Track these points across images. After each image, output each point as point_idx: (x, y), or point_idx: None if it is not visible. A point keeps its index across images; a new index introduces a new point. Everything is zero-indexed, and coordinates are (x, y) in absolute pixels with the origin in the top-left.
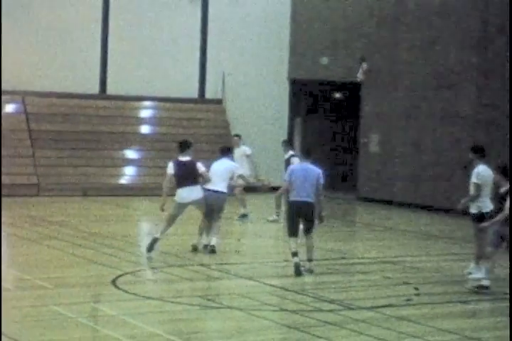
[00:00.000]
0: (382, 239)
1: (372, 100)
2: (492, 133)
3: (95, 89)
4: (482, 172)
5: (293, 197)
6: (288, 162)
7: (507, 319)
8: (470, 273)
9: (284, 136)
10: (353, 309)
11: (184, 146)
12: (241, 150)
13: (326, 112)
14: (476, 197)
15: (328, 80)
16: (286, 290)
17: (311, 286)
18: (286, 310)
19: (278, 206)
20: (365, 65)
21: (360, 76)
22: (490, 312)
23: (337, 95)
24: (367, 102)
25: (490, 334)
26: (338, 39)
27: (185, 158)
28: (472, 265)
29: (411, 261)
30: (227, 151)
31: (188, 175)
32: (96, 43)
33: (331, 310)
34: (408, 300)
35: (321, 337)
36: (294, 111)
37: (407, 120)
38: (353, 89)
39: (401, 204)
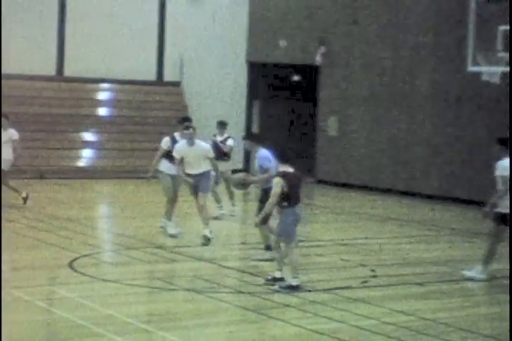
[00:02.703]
0: (339, 222)
1: (330, 83)
2: (462, 110)
3: (52, 70)
4: (507, 164)
5: None
6: (223, 144)
7: (462, 300)
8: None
9: (242, 119)
10: (309, 291)
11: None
12: (8, 134)
13: (284, 95)
14: (505, 192)
15: (286, 63)
16: (243, 272)
17: (268, 269)
18: (244, 292)
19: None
20: (323, 48)
21: (318, 59)
22: (445, 294)
23: (295, 78)
24: (325, 85)
25: (446, 314)
26: (296, 22)
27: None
28: (480, 267)
29: (368, 243)
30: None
31: None
32: (53, 24)
33: (287, 292)
34: (364, 282)
35: (278, 319)
36: (252, 94)
37: (365, 103)
38: (311, 72)
39: (359, 187)
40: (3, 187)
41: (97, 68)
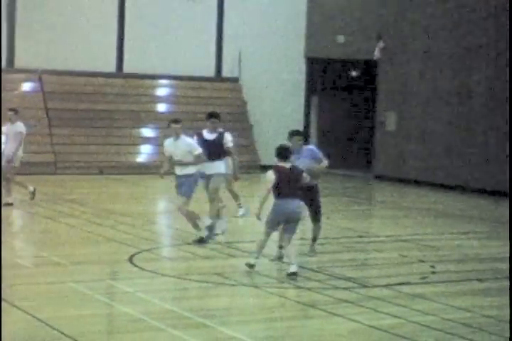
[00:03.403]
0: (398, 218)
1: (388, 78)
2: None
3: (112, 67)
4: None
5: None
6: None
7: None
8: None
9: (301, 114)
10: (368, 287)
11: None
12: (16, 128)
13: (342, 90)
14: None
15: (344, 58)
16: (302, 267)
17: (326, 264)
18: (302, 287)
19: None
20: (381, 43)
21: (376, 54)
22: (506, 291)
23: (354, 73)
24: (383, 80)
25: (505, 312)
26: (354, 17)
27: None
28: None
29: (427, 239)
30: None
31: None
32: (113, 21)
33: (346, 288)
34: (424, 277)
35: (336, 315)
36: (310, 89)
37: (424, 98)
38: (369, 68)
39: (417, 183)
40: (13, 183)
41: (155, 64)
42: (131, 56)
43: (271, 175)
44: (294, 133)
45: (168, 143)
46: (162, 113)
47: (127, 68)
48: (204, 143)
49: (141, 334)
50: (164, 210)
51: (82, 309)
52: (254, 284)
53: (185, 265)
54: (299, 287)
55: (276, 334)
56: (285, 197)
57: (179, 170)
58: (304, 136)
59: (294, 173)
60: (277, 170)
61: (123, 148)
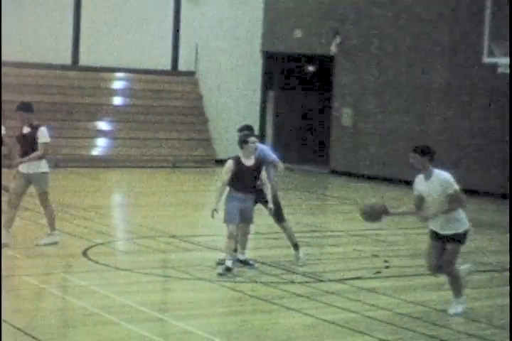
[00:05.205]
0: (352, 213)
1: (344, 73)
2: (466, 108)
3: (68, 59)
4: None
5: None
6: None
7: (476, 291)
8: None
9: (257, 109)
10: (323, 281)
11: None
12: None
13: (299, 85)
14: None
15: (301, 53)
16: (257, 262)
17: (282, 259)
18: (258, 281)
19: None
20: (338, 38)
21: (333, 49)
22: None
23: (310, 68)
24: (340, 76)
25: None
26: (311, 12)
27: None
28: None
29: (381, 234)
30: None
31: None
32: (68, 13)
33: (301, 282)
34: (378, 272)
35: (291, 309)
36: (267, 83)
37: (379, 93)
38: (326, 62)
39: (372, 178)
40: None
41: (112, 57)
42: (87, 48)
43: (230, 166)
44: (244, 130)
45: None
46: (117, 106)
47: (83, 60)
48: None
49: (95, 328)
50: (119, 204)
51: (36, 302)
52: (209, 278)
53: (140, 259)
54: (254, 281)
55: (231, 328)
56: (241, 191)
57: None
58: (259, 133)
59: (255, 170)
60: (239, 164)
61: (79, 141)
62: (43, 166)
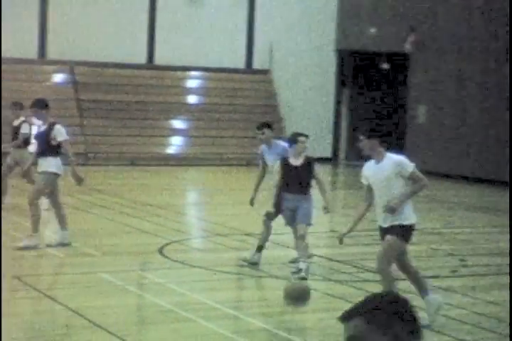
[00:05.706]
0: (428, 211)
1: (420, 71)
2: None
3: (143, 59)
4: None
5: None
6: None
7: None
8: None
9: (331, 107)
10: (397, 280)
11: None
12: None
13: (373, 83)
14: None
15: (375, 50)
16: (331, 260)
17: (357, 257)
18: (332, 280)
19: None
20: (413, 36)
21: (408, 46)
22: None
23: (385, 66)
24: (415, 73)
25: None
26: (386, 9)
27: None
28: None
29: (457, 232)
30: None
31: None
32: (144, 13)
33: (376, 281)
34: (454, 271)
35: None
36: (340, 81)
37: (456, 91)
38: (401, 60)
39: (448, 176)
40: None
41: (186, 56)
42: (162, 48)
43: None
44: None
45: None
46: (192, 105)
47: (158, 60)
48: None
49: (171, 325)
50: (194, 202)
51: (113, 299)
52: (283, 276)
53: (215, 256)
54: (328, 279)
55: (307, 326)
56: (289, 192)
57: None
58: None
59: (302, 169)
60: (287, 165)
61: (154, 139)
62: (53, 166)
